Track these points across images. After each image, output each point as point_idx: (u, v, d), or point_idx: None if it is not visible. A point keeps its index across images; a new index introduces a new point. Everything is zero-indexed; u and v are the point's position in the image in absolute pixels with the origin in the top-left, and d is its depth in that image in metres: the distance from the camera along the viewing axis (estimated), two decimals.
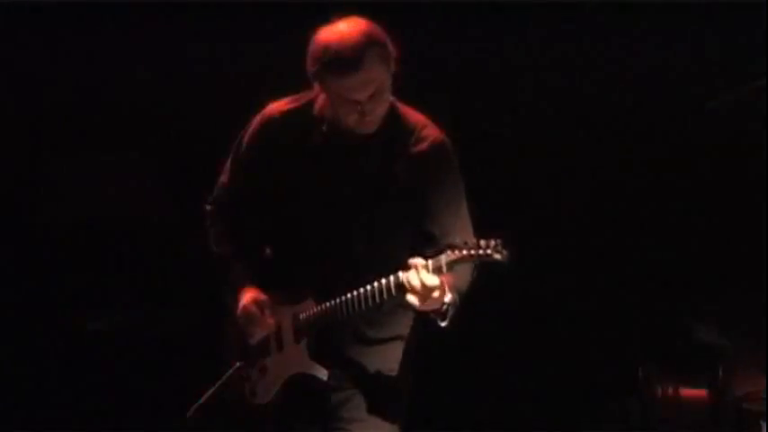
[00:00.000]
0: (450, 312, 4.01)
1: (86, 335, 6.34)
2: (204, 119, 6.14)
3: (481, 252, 3.78)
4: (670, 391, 5.89)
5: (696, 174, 6.10)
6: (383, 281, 3.97)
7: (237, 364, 4.33)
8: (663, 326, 6.08)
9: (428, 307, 3.95)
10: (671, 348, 5.99)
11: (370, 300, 4.02)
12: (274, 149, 4.25)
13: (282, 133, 4.24)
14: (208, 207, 4.46)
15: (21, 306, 6.34)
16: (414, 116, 4.20)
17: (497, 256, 3.78)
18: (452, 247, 3.83)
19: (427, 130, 4.17)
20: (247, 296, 4.26)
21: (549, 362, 6.25)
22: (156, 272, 6.35)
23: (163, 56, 6.25)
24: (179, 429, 4.39)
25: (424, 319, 4.13)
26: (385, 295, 3.98)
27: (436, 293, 3.89)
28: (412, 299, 3.91)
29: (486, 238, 3.81)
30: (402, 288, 3.92)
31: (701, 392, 5.87)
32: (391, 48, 4.04)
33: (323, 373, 4.17)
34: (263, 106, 4.33)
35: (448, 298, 3.96)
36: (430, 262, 3.86)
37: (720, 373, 5.73)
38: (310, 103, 4.23)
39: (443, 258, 3.83)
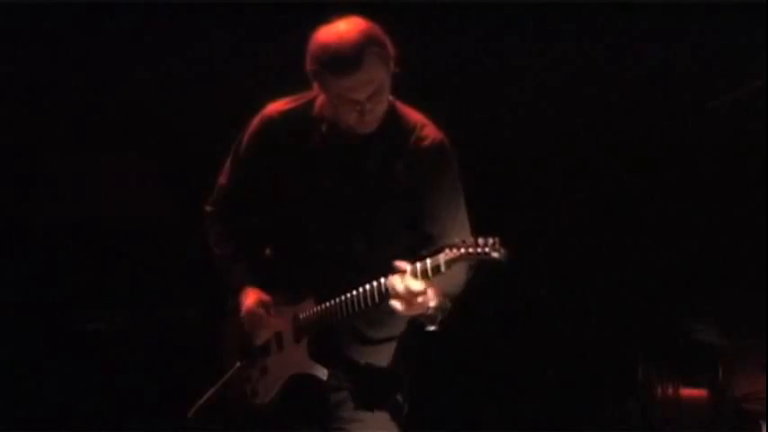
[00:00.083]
0: (439, 317, 4.00)
1: (86, 335, 6.34)
2: (204, 119, 6.14)
3: (479, 250, 3.76)
4: (670, 391, 5.89)
5: (696, 174, 6.10)
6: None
7: (238, 364, 4.33)
8: (663, 326, 6.08)
9: (412, 312, 3.95)
10: (671, 348, 5.99)
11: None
12: (274, 150, 4.25)
13: (282, 133, 4.23)
14: (207, 208, 4.45)
15: (20, 306, 6.33)
16: (413, 116, 4.20)
17: (495, 255, 3.76)
18: (450, 246, 3.81)
19: (427, 129, 4.17)
20: (251, 297, 4.26)
21: (549, 362, 6.25)
22: (155, 272, 6.35)
23: (163, 56, 6.25)
24: (179, 429, 4.39)
25: (413, 322, 4.13)
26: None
27: (420, 299, 3.89)
28: (396, 304, 3.91)
29: (485, 237, 3.79)
30: (386, 293, 3.91)
31: (701, 392, 5.87)
32: (391, 47, 4.03)
33: (323, 373, 4.17)
34: (262, 106, 4.32)
35: (433, 303, 3.94)
36: (417, 265, 3.84)
37: (720, 373, 5.73)
38: (310, 104, 4.22)
39: (442, 257, 3.82)
